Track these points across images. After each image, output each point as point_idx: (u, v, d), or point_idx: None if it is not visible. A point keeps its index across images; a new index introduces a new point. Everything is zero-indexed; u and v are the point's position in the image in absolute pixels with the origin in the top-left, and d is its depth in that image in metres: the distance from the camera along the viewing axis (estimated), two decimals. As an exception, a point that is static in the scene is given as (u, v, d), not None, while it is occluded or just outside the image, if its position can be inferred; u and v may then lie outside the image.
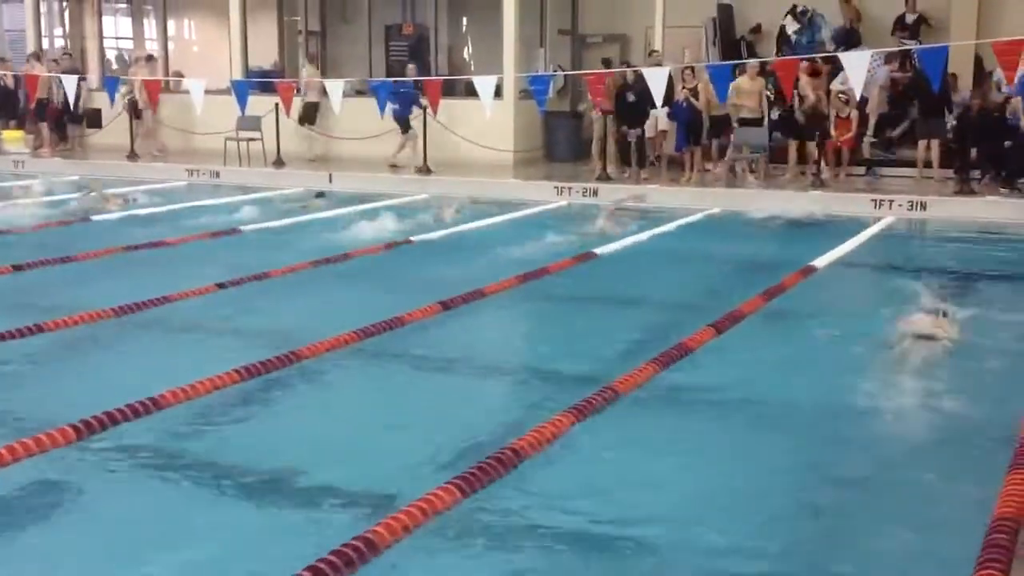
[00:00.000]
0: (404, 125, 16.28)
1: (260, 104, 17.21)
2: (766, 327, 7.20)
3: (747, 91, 14.45)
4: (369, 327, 6.64)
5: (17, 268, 8.69)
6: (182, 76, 18.58)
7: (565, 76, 17.69)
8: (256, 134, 17.44)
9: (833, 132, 14.64)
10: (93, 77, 20.34)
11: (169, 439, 4.98)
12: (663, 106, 14.62)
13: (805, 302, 8.02)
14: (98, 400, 4.98)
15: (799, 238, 11.86)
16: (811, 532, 4.18)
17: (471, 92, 15.34)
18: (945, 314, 7.52)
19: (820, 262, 9.32)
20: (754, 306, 7.47)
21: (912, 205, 12.81)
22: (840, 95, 14.51)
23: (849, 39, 16.25)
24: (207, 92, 16.82)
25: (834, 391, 5.85)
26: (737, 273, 9.38)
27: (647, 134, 15.61)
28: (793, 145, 14.94)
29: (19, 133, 19.37)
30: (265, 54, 19.58)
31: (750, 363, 6.38)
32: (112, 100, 17.75)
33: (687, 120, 15.07)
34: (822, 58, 15.17)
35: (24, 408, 5.43)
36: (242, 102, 16.83)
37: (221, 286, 8.05)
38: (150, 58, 19.66)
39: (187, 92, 17.14)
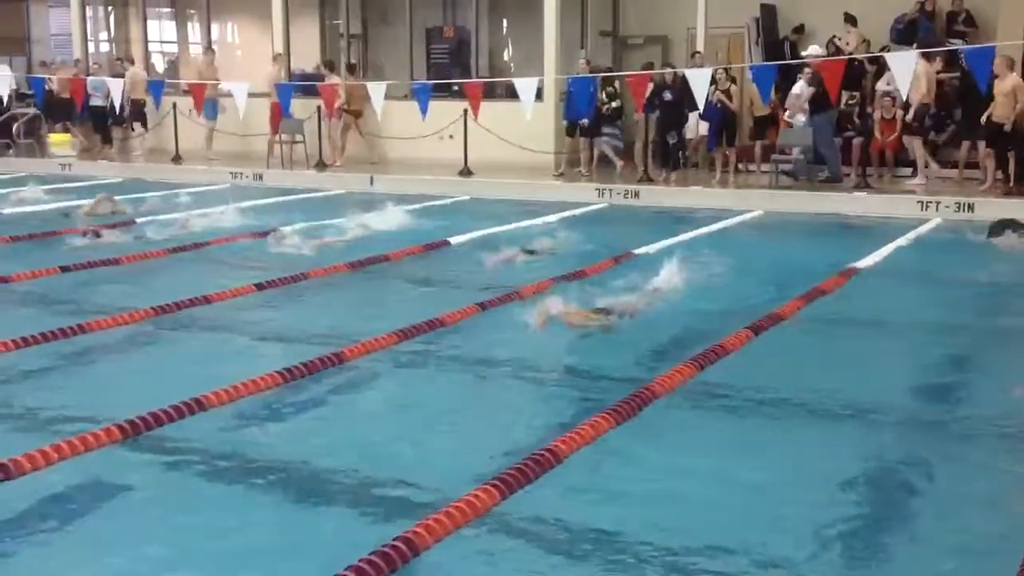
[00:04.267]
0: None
1: (303, 107, 17.35)
2: (806, 330, 7.13)
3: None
4: (409, 328, 6.67)
5: (64, 269, 8.83)
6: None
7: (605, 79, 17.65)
8: (299, 136, 17.56)
9: (878, 134, 14.50)
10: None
11: (212, 439, 5.02)
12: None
13: (848, 305, 7.94)
14: (143, 400, 5.04)
15: (843, 240, 11.75)
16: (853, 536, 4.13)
17: (512, 94, 15.36)
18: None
19: (863, 264, 9.23)
20: (794, 308, 7.41)
21: (959, 207, 12.63)
22: (885, 96, 14.36)
23: (911, 34, 15.93)
24: (251, 95, 17.00)
25: (881, 391, 5.81)
26: (777, 276, 9.28)
27: (687, 136, 15.54)
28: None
29: (66, 137, 19.68)
30: (307, 56, 19.71)
31: (791, 365, 6.34)
32: (158, 104, 17.97)
33: (718, 121, 15.00)
34: (868, 59, 15.03)
35: (70, 408, 5.49)
36: (285, 105, 16.98)
37: (260, 287, 8.13)
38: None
39: (230, 95, 17.32)
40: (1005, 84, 12.89)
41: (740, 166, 15.72)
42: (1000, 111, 13.00)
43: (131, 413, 4.75)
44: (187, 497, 4.47)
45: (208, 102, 17.78)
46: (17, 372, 6.12)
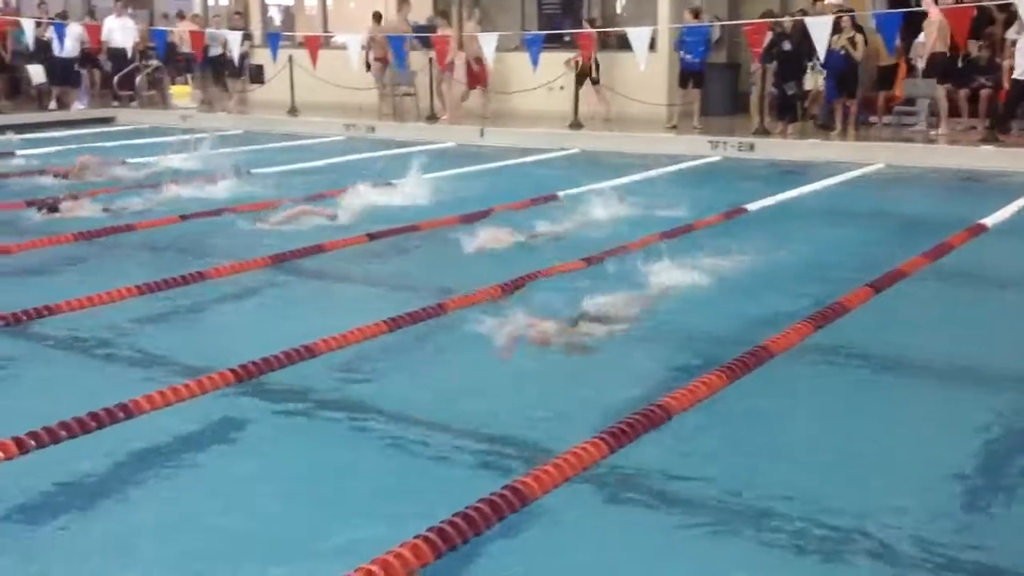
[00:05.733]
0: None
1: (415, 59, 17.37)
2: (931, 287, 6.87)
3: None
4: (511, 282, 6.60)
5: (184, 218, 9.06)
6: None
7: (721, 27, 17.19)
8: (411, 88, 17.61)
9: (1007, 84, 13.81)
10: (256, 34, 20.91)
11: (322, 385, 5.09)
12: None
13: (976, 262, 7.61)
14: (256, 345, 5.13)
15: (970, 195, 11.29)
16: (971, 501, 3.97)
17: (624, 45, 15.10)
18: None
19: (992, 220, 8.84)
20: (916, 266, 7.14)
21: (1095, 161, 12.01)
22: (1014, 44, 13.66)
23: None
24: (364, 48, 17.07)
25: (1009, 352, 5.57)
26: (900, 231, 8.97)
27: (806, 87, 15.05)
28: (965, 98, 14.17)
29: (187, 88, 20.15)
30: (420, 8, 19.69)
31: (913, 324, 6.13)
32: (275, 56, 18.20)
33: (840, 70, 14.40)
34: (999, 5, 14.29)
35: (187, 352, 5.64)
36: (399, 57, 17.03)
37: (371, 237, 8.19)
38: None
39: (344, 48, 17.42)
40: None
41: (860, 118, 15.17)
42: None
43: (244, 358, 4.84)
44: (296, 440, 4.55)
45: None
46: (139, 318, 6.29)
